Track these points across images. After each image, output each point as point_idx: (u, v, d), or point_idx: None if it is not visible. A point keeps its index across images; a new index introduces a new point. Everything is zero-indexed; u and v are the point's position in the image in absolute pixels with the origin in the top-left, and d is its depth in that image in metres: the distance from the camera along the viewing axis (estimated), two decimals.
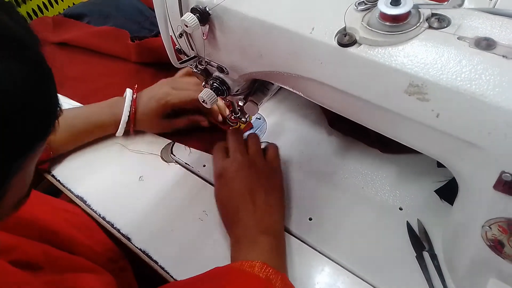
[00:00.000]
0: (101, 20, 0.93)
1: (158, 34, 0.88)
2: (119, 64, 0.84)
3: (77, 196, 0.63)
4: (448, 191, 0.57)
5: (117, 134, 0.66)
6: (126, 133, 0.68)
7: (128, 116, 0.64)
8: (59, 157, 0.67)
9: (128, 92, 0.66)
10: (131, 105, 0.64)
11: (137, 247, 0.57)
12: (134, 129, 0.67)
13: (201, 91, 0.63)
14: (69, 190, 0.64)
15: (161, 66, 0.80)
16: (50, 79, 0.27)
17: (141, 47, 0.81)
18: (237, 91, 0.56)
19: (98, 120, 0.66)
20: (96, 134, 0.67)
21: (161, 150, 0.68)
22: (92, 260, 0.50)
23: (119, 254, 0.57)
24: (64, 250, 0.48)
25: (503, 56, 0.34)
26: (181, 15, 0.46)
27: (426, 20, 0.37)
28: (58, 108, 0.29)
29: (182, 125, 0.68)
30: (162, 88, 0.66)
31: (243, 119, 0.63)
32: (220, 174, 0.56)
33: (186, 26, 0.44)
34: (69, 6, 1.09)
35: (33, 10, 1.10)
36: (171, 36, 0.51)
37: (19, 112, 0.23)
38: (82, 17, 0.95)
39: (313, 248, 0.55)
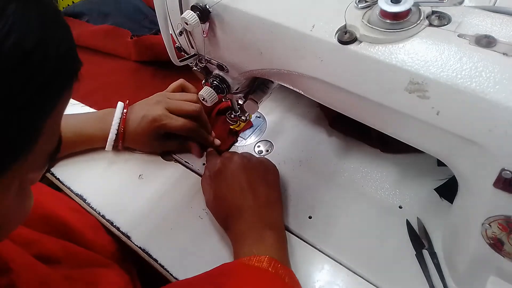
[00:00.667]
0: (100, 19, 0.93)
1: (157, 32, 0.88)
2: (119, 63, 0.83)
3: (77, 194, 0.62)
4: (448, 190, 0.57)
5: (106, 149, 0.65)
6: (115, 148, 0.66)
7: (116, 134, 0.63)
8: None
9: (118, 107, 0.63)
10: (119, 123, 0.62)
11: (136, 245, 0.56)
12: (123, 145, 0.65)
13: (195, 115, 0.64)
14: (69, 188, 0.63)
15: (160, 65, 0.80)
16: (66, 28, 0.28)
17: (140, 44, 0.80)
18: (237, 89, 0.56)
19: (87, 133, 0.64)
20: (85, 146, 0.66)
21: None
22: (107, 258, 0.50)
23: (125, 255, 0.57)
24: (81, 247, 0.49)
25: (504, 54, 0.34)
26: (181, 13, 0.46)
27: (427, 17, 0.37)
28: (78, 62, 0.29)
29: (173, 149, 0.67)
30: (156, 109, 0.62)
31: (243, 118, 0.63)
32: (218, 171, 0.56)
33: (186, 24, 0.44)
34: (68, 5, 1.09)
35: None
36: (171, 34, 0.51)
37: (40, 59, 0.24)
38: (81, 16, 0.95)
39: (312, 246, 0.55)
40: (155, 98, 0.65)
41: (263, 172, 0.56)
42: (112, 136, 0.63)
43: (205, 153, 0.66)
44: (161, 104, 0.63)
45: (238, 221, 0.52)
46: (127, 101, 0.65)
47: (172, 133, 0.64)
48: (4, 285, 0.34)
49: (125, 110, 0.63)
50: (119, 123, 0.62)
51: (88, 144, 0.66)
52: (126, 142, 0.65)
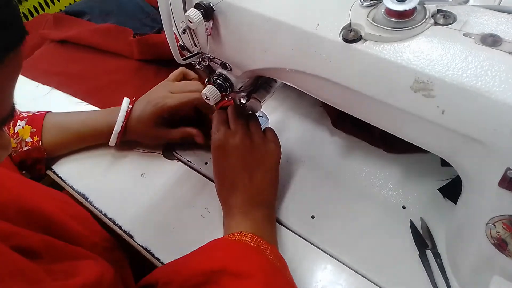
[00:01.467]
0: (102, 17, 0.93)
1: (160, 31, 0.88)
2: (121, 61, 0.83)
3: (79, 193, 0.62)
4: (452, 190, 0.57)
5: (109, 144, 0.65)
6: (117, 146, 0.66)
7: (121, 126, 0.63)
8: (60, 155, 0.67)
9: (125, 102, 0.64)
10: (125, 116, 0.63)
11: (139, 244, 0.56)
12: (126, 138, 0.65)
13: (198, 92, 0.63)
14: (71, 187, 0.63)
15: (163, 63, 0.80)
16: None
17: (142, 43, 0.80)
18: (240, 88, 0.56)
19: (93, 127, 0.65)
20: (90, 141, 0.67)
21: (163, 148, 0.68)
22: (89, 250, 0.50)
23: (115, 244, 0.57)
24: (63, 240, 0.49)
25: (509, 53, 0.34)
26: (185, 11, 0.45)
27: (432, 16, 0.37)
28: (21, 29, 0.30)
29: (177, 137, 0.67)
30: (159, 92, 0.65)
31: None
32: (219, 145, 0.56)
33: (190, 22, 0.44)
34: (70, 4, 1.09)
35: (34, 8, 1.10)
36: (174, 32, 0.50)
37: None
38: (82, 15, 0.95)
39: (315, 246, 0.55)
40: (160, 84, 0.67)
41: (262, 154, 0.57)
42: (117, 129, 0.63)
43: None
44: (164, 88, 0.66)
45: (231, 196, 0.55)
46: (134, 98, 0.65)
47: (175, 122, 0.65)
48: None
49: (130, 106, 0.64)
50: (125, 115, 0.63)
51: (92, 139, 0.67)
52: (130, 135, 0.65)
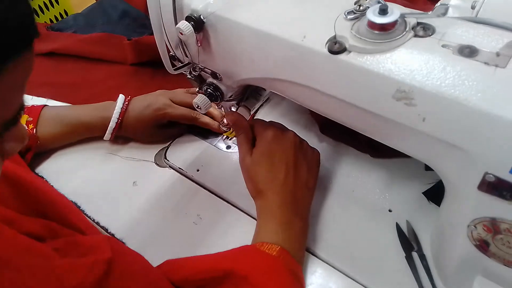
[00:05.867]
0: (87, 29, 0.92)
1: (151, 35, 0.88)
2: (114, 68, 0.84)
3: (71, 201, 0.63)
4: (436, 193, 0.58)
5: (104, 138, 0.67)
6: (116, 138, 0.68)
7: (116, 122, 0.65)
8: (51, 162, 0.68)
9: (120, 97, 0.66)
10: (120, 112, 0.65)
11: None
12: (123, 134, 0.67)
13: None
14: (62, 194, 0.64)
15: (158, 66, 0.80)
16: None
17: (138, 45, 0.81)
18: (230, 97, 0.57)
19: (87, 121, 0.67)
20: (84, 135, 0.69)
21: (155, 156, 0.69)
22: None
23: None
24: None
25: (485, 63, 0.35)
26: (176, 23, 0.47)
27: (412, 28, 0.39)
28: (33, 30, 0.29)
29: (174, 136, 0.70)
30: (161, 99, 0.67)
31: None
32: (275, 135, 0.55)
33: (181, 33, 0.45)
34: (60, 13, 1.09)
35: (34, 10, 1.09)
36: (165, 43, 0.52)
37: None
38: (67, 28, 0.94)
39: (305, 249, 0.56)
40: (159, 91, 0.69)
41: (309, 158, 0.57)
42: (112, 125, 0.65)
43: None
44: (165, 95, 0.67)
45: (273, 195, 0.52)
46: (129, 96, 0.67)
47: (173, 122, 0.68)
48: None
49: (126, 103, 0.66)
50: (120, 112, 0.65)
51: (86, 133, 0.68)
52: (126, 131, 0.67)
